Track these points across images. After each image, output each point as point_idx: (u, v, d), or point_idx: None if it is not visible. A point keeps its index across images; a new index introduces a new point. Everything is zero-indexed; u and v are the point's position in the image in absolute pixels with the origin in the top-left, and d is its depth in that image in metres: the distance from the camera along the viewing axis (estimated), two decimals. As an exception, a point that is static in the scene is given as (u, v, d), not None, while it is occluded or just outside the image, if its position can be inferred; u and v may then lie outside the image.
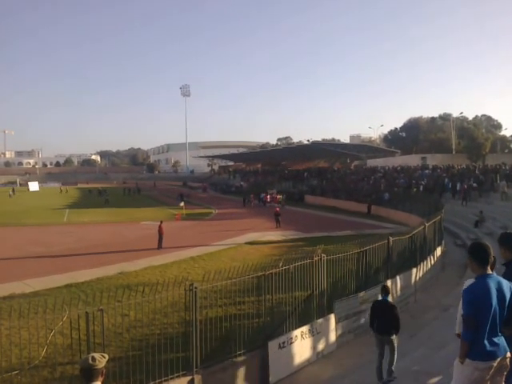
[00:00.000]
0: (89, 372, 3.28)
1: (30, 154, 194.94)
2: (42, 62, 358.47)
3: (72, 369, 7.68)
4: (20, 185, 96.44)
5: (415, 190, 39.32)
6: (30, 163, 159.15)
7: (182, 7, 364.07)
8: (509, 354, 3.79)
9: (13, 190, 69.90)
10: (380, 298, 8.59)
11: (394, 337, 7.89)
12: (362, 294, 11.56)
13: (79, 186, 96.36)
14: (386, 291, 8.31)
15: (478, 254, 3.80)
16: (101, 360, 3.31)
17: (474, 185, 35.29)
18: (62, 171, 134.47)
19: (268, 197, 51.71)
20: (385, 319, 7.91)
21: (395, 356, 7.81)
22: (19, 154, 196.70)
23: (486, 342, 3.66)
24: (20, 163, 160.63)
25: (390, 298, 8.49)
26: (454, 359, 3.93)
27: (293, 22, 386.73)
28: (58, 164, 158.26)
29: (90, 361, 3.27)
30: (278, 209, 33.30)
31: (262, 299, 9.25)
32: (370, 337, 8.69)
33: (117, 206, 48.15)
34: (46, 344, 7.62)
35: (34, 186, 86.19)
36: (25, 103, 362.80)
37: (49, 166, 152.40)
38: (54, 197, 65.32)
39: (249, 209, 47.18)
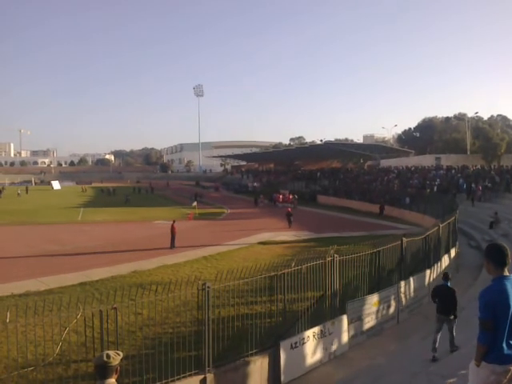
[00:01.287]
0: (103, 369, 3.30)
1: (46, 153, 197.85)
2: (58, 62, 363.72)
3: (86, 366, 7.75)
4: (35, 184, 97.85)
5: (429, 190, 38.93)
6: (45, 162, 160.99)
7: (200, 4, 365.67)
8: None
9: (26, 189, 70.79)
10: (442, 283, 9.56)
11: (452, 317, 8.80)
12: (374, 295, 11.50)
13: (93, 185, 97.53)
14: (447, 277, 9.42)
15: (495, 256, 3.73)
16: (115, 357, 3.33)
17: (489, 185, 34.81)
18: (77, 170, 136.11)
19: (280, 197, 51.25)
20: (446, 301, 8.93)
21: (454, 333, 8.70)
22: (35, 153, 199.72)
23: (503, 344, 3.57)
24: (35, 162, 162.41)
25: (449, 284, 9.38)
26: (468, 361, 3.86)
27: (300, 21, 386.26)
28: (72, 163, 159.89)
29: (105, 358, 3.29)
30: (289, 209, 33.26)
31: (274, 299, 9.26)
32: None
33: (130, 206, 48.55)
34: (60, 341, 7.70)
35: (56, 184, 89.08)
36: (41, 103, 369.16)
37: (63, 166, 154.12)
38: (71, 196, 65.95)
39: (261, 209, 47.15)
